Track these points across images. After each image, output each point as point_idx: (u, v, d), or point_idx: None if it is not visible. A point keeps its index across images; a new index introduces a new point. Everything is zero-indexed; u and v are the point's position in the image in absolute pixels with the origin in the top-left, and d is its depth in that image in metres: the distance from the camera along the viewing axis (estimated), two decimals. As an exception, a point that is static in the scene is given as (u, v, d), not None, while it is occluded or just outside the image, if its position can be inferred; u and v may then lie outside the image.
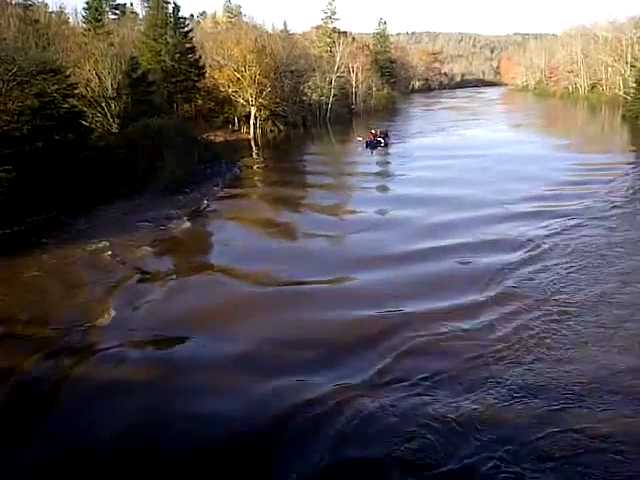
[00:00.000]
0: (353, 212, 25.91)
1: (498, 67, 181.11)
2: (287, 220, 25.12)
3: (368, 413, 10.39)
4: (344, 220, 24.83)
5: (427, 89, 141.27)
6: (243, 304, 15.64)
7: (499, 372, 11.55)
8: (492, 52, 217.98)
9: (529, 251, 18.54)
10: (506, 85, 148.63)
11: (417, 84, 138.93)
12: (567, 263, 17.30)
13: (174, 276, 17.98)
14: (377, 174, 34.78)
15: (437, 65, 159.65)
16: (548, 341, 12.72)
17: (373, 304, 15.04)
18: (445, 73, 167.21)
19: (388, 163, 38.58)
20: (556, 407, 10.37)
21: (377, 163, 38.44)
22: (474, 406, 10.44)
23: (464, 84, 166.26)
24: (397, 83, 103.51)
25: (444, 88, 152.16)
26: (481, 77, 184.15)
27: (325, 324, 14.13)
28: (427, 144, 45.30)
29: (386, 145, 42.44)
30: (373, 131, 43.68)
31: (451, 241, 20.04)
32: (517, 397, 10.70)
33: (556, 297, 14.93)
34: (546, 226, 21.10)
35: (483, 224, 21.90)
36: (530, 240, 19.54)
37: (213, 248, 21.86)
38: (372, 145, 41.11)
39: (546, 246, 18.94)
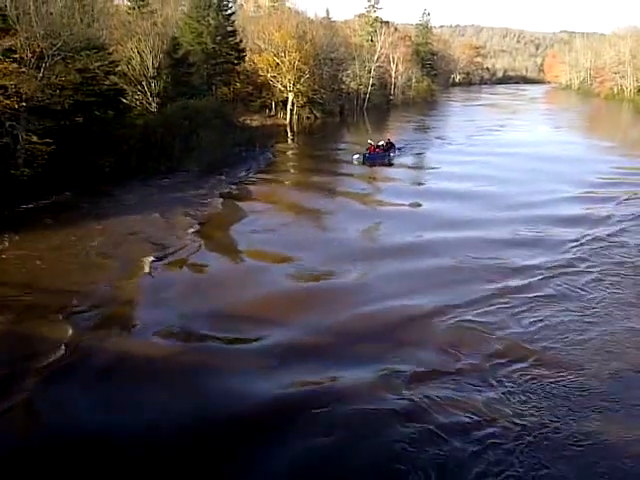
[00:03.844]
0: (385, 203, 25.79)
1: (542, 65, 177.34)
2: (317, 207, 25.11)
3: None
4: (375, 210, 24.76)
5: (468, 83, 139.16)
6: (266, 294, 15.57)
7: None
8: (537, 49, 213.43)
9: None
10: (549, 83, 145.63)
11: (458, 78, 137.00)
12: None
13: (201, 258, 18.10)
14: (411, 167, 34.50)
15: (479, 59, 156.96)
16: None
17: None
18: (487, 68, 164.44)
19: (423, 156, 38.16)
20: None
21: (412, 155, 38.06)
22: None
23: (506, 80, 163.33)
24: (437, 76, 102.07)
25: (485, 83, 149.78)
26: (524, 74, 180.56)
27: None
28: (464, 140, 44.68)
29: (390, 159, 34.87)
30: (372, 142, 34.85)
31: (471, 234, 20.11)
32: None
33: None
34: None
35: (511, 223, 21.70)
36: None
37: (243, 232, 21.84)
38: (371, 159, 33.59)
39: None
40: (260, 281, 16.32)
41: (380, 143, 35.06)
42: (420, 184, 30.03)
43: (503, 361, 11.86)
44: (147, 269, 16.63)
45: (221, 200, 24.90)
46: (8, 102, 23.25)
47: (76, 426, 9.87)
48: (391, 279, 16.26)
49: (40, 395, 10.73)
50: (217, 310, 14.35)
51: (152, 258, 17.43)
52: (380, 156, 34.26)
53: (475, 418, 10.02)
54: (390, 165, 34.16)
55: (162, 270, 16.77)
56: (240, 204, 25.41)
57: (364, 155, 33.56)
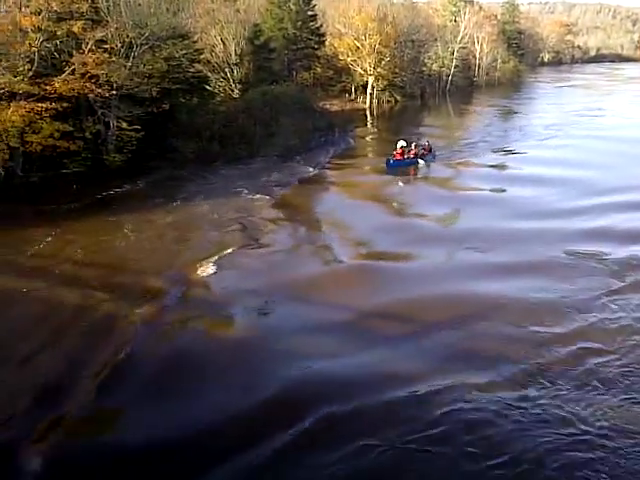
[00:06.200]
0: (466, 188, 25.06)
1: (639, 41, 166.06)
2: (395, 191, 24.93)
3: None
4: (455, 195, 24.11)
5: (557, 63, 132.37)
6: (340, 276, 15.72)
7: None
8: (634, 25, 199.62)
9: None
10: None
11: (547, 57, 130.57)
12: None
13: (276, 240, 18.33)
14: (495, 151, 33.17)
15: (570, 37, 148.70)
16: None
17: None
18: (579, 46, 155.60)
19: (507, 140, 36.64)
20: None
21: (497, 137, 36.70)
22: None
23: (599, 59, 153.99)
24: (524, 55, 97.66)
25: (576, 62, 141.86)
26: (619, 52, 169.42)
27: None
28: (552, 123, 42.49)
29: (422, 165, 28.48)
30: (401, 145, 28.64)
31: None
32: None
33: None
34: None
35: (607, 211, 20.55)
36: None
37: (317, 215, 22.00)
38: (395, 165, 27.82)
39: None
40: (331, 261, 16.60)
41: (402, 149, 28.52)
42: (504, 169, 28.92)
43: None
44: (226, 251, 17.02)
45: (298, 185, 25.12)
46: (100, 91, 24.39)
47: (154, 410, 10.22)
48: (466, 267, 15.83)
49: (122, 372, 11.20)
50: (289, 288, 14.61)
51: (231, 242, 17.88)
52: (409, 162, 28.25)
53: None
54: (425, 165, 28.43)
55: (239, 252, 17.07)
56: (316, 189, 25.54)
57: (387, 161, 27.83)
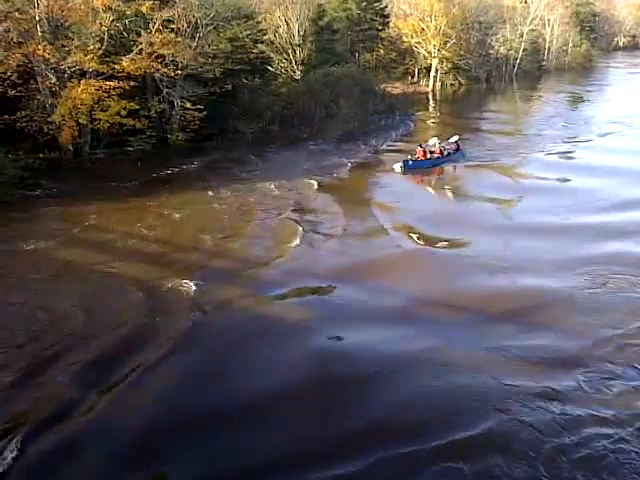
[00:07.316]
0: (528, 176, 24.29)
1: None
2: (454, 176, 24.54)
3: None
4: (517, 183, 23.41)
5: (633, 47, 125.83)
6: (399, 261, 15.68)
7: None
8: None
9: None
10: None
11: (622, 41, 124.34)
12: None
13: (332, 225, 18.24)
14: (561, 139, 31.86)
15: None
16: None
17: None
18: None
19: (575, 128, 35.16)
20: None
21: (564, 125, 35.35)
22: None
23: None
24: (598, 39, 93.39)
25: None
26: None
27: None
28: (624, 111, 40.38)
29: (449, 161, 25.86)
30: (423, 145, 25.62)
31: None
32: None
33: None
34: None
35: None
36: None
37: (377, 201, 21.68)
38: (415, 166, 24.54)
39: None
40: (388, 247, 16.60)
41: (433, 143, 26.10)
42: (571, 158, 27.81)
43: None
44: (278, 236, 17.18)
45: (355, 168, 24.98)
46: (165, 70, 24.98)
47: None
48: (523, 260, 15.33)
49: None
50: (346, 273, 14.60)
51: (283, 228, 18.04)
52: (432, 164, 25.34)
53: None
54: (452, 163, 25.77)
55: (292, 238, 17.02)
56: (373, 173, 25.37)
57: (404, 162, 24.25)
